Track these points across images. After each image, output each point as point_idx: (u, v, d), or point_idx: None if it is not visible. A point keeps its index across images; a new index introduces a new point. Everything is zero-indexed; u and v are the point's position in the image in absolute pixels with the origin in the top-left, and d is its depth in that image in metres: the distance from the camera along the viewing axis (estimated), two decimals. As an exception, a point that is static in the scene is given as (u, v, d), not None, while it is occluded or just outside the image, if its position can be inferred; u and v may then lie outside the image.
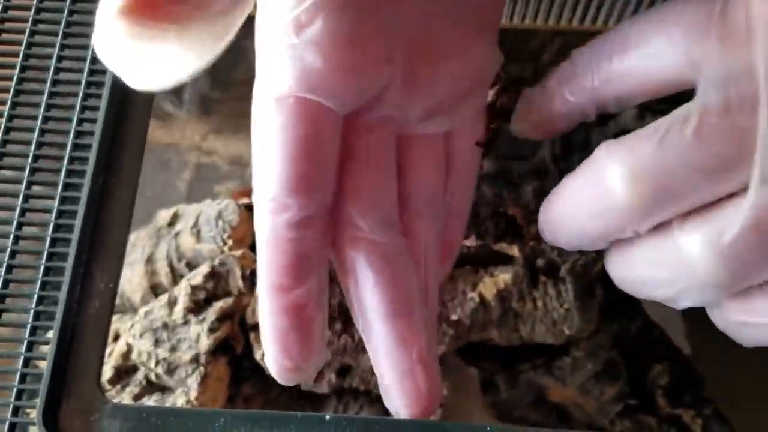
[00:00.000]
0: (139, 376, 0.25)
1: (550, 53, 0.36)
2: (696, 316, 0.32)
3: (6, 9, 0.23)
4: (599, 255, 0.24)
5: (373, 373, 0.25)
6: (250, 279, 0.25)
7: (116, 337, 0.25)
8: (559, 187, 0.18)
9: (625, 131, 0.25)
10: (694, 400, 0.26)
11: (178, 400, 0.24)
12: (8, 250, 0.21)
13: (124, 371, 0.25)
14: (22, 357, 0.20)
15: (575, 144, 0.26)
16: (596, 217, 0.17)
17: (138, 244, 0.28)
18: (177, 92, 0.36)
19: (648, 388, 0.26)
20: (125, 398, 0.24)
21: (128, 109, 0.22)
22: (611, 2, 0.31)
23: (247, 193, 0.30)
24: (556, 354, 0.25)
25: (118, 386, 0.25)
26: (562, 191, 0.18)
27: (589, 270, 0.24)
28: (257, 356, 0.24)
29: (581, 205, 0.17)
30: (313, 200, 0.17)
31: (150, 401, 0.24)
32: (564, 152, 0.26)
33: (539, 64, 0.37)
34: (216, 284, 0.25)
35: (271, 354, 0.17)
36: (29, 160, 0.22)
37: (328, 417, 0.19)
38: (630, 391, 0.26)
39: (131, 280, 0.27)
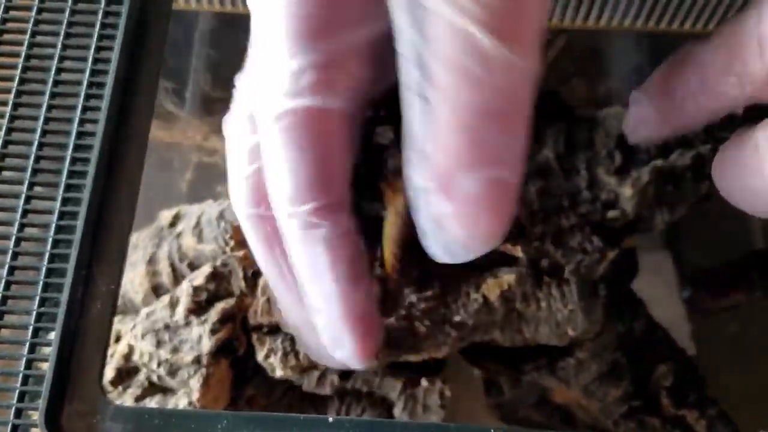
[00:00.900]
0: (141, 377, 0.25)
1: (554, 51, 0.36)
2: (699, 317, 0.32)
3: (7, 9, 0.23)
4: (603, 256, 0.24)
5: (375, 374, 0.25)
6: (252, 280, 0.25)
7: (118, 339, 0.25)
8: (720, 162, 0.18)
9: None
10: (698, 401, 0.26)
11: (180, 401, 0.24)
12: (10, 251, 0.21)
13: (126, 372, 0.25)
14: (24, 359, 0.20)
15: (579, 143, 0.26)
16: (761, 208, 0.17)
17: (140, 244, 0.27)
18: (179, 92, 0.36)
19: (652, 389, 0.26)
20: (127, 400, 0.24)
21: (130, 109, 0.22)
22: (616, 0, 0.31)
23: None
24: (560, 355, 0.25)
25: (120, 388, 0.25)
26: (724, 168, 0.18)
27: (593, 270, 0.24)
28: (259, 358, 0.24)
29: (743, 191, 0.17)
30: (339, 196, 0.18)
31: (152, 403, 0.24)
32: (568, 151, 0.26)
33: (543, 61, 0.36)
34: (218, 285, 0.25)
35: (359, 343, 0.19)
36: (31, 160, 0.22)
37: (330, 419, 0.19)
38: (634, 392, 0.26)
39: (133, 281, 0.27)
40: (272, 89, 0.17)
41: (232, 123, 0.20)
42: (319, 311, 0.19)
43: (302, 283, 0.19)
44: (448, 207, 0.16)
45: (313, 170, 0.17)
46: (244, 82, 0.19)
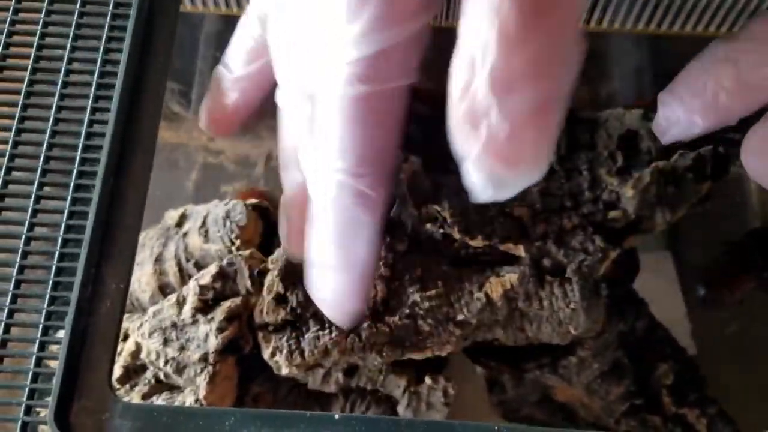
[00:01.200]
0: (148, 375, 0.25)
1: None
2: (700, 317, 0.33)
3: (16, 11, 0.24)
4: (605, 255, 0.24)
5: (380, 372, 0.25)
6: (258, 279, 0.25)
7: (125, 337, 0.25)
8: (749, 143, 0.19)
9: (630, 131, 0.25)
10: (699, 400, 0.26)
11: (187, 398, 0.24)
12: (20, 250, 0.21)
13: (133, 370, 0.25)
14: (34, 356, 0.20)
15: (581, 144, 0.26)
16: None
17: (147, 244, 0.28)
18: (184, 93, 0.36)
19: (653, 387, 0.26)
20: (134, 397, 0.24)
21: (138, 110, 0.22)
22: (617, 3, 0.31)
23: (254, 193, 0.30)
24: (562, 354, 0.25)
25: (127, 385, 0.25)
26: (751, 149, 0.19)
27: (595, 270, 0.24)
28: (265, 356, 0.24)
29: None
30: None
31: (159, 400, 0.24)
32: (569, 152, 0.26)
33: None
34: (224, 284, 0.25)
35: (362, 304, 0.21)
36: (40, 161, 0.22)
37: (337, 416, 0.19)
38: (635, 391, 0.26)
39: (140, 279, 0.27)
40: (342, 72, 0.17)
41: (286, 95, 0.20)
42: (342, 270, 0.20)
43: (331, 245, 0.20)
44: (504, 128, 0.15)
45: (376, 146, 0.18)
46: (290, 53, 0.19)
